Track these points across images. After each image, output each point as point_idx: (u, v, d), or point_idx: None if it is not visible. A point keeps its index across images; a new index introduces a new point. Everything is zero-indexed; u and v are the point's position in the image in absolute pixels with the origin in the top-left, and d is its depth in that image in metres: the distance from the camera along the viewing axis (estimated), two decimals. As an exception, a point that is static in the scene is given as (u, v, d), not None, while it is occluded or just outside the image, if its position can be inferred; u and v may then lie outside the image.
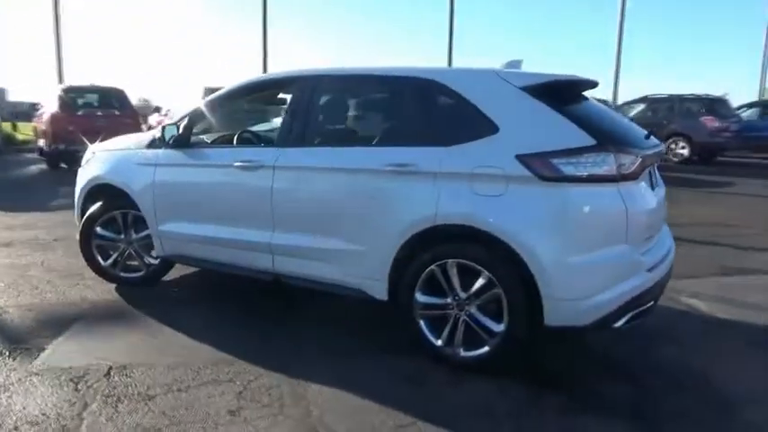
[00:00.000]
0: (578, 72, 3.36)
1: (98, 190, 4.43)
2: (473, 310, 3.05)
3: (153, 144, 4.16)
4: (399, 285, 3.23)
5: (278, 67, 17.83)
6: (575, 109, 3.09)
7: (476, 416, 2.70)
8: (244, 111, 6.14)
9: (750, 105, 17.54)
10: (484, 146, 2.98)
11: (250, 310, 4.05)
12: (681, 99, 15.69)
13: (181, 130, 3.94)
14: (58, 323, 3.74)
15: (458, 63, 19.64)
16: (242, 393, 2.86)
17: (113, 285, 4.44)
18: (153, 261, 4.41)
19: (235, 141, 4.23)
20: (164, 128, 4.07)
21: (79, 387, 2.90)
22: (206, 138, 4.42)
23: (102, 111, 11.73)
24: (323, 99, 3.63)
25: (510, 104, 3.02)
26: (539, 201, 2.84)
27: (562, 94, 3.14)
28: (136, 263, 4.46)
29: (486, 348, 3.04)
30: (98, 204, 4.38)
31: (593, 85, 3.47)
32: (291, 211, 3.54)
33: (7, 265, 4.99)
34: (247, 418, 2.64)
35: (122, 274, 4.47)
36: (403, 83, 3.34)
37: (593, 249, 2.83)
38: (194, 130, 4.12)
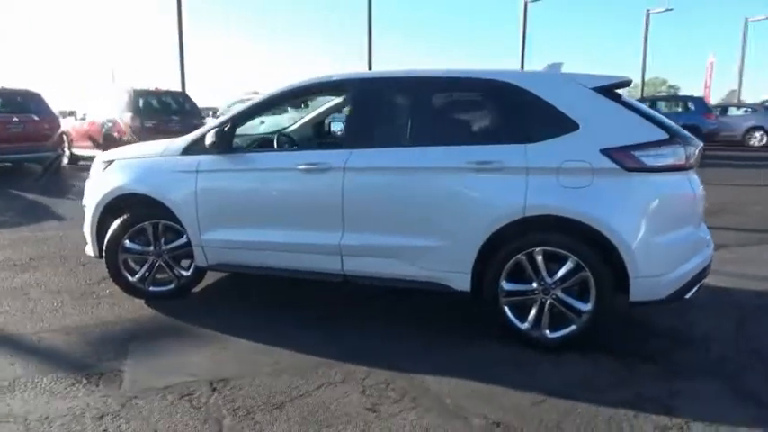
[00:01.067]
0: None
1: (122, 201, 4.15)
2: (559, 293, 3.30)
3: (190, 150, 3.99)
4: (484, 276, 3.41)
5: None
6: (633, 106, 3.45)
7: (588, 389, 2.93)
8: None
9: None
10: (567, 142, 3.24)
11: (300, 312, 4.01)
12: None
13: (225, 135, 3.82)
14: (111, 344, 3.49)
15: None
16: (366, 392, 2.90)
17: (142, 301, 4.18)
18: (184, 272, 4.22)
19: (275, 144, 4.18)
20: (205, 133, 3.93)
21: (195, 404, 2.78)
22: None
23: (18, 116, 10.63)
24: (395, 101, 3.72)
25: (586, 104, 3.31)
26: (624, 189, 3.16)
27: (618, 94, 3.49)
28: (165, 275, 4.24)
29: (572, 327, 3.30)
30: (125, 216, 4.11)
31: (629, 83, 3.85)
32: (365, 211, 3.59)
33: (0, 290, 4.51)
34: (391, 412, 2.70)
35: (152, 288, 4.22)
36: (480, 85, 3.53)
37: (670, 230, 3.19)
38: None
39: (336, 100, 4.84)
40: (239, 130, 4.03)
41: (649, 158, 3.13)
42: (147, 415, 2.68)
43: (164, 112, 11.92)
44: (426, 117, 3.69)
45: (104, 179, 4.24)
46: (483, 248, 3.37)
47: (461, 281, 3.47)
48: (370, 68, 19.34)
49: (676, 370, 3.15)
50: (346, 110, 4.05)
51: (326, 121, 5.30)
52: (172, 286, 4.23)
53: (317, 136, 5.02)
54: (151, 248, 4.16)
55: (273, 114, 6.52)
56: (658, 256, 3.17)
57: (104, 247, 4.13)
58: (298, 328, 3.73)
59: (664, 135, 3.19)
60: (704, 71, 32.78)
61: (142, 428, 2.57)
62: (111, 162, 4.28)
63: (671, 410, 2.70)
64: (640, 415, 2.66)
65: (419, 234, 3.49)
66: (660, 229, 3.17)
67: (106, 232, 4.19)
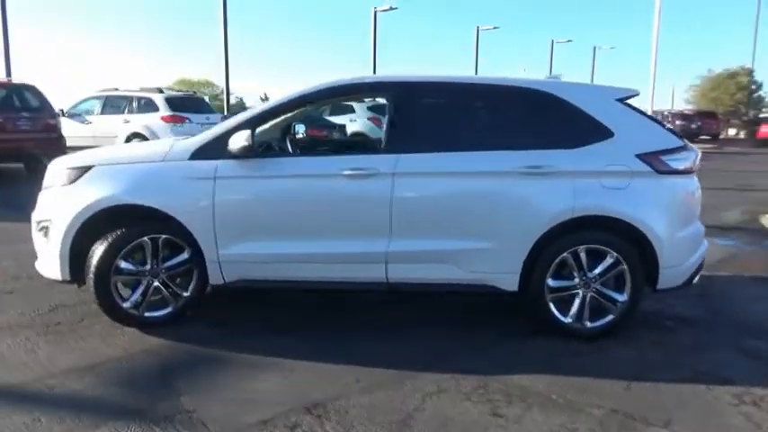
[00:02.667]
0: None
1: (111, 214, 3.51)
2: (598, 286, 3.61)
3: (202, 154, 3.54)
4: (531, 274, 3.58)
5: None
6: (647, 115, 3.90)
7: (655, 369, 3.24)
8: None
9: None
10: (607, 147, 3.55)
11: (336, 325, 3.80)
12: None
13: (251, 138, 3.45)
14: (148, 381, 3.00)
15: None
16: (471, 398, 2.88)
17: (128, 330, 3.59)
18: (184, 293, 3.72)
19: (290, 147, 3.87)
20: (223, 135, 3.52)
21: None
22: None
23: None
24: (442, 106, 3.69)
25: (615, 113, 3.65)
26: (655, 190, 3.56)
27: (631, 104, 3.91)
28: (159, 297, 3.69)
29: (610, 317, 3.63)
30: (119, 232, 3.49)
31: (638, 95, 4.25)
32: (414, 216, 3.53)
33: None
34: (517, 415, 2.73)
35: (147, 314, 3.64)
36: (523, 93, 3.68)
37: (686, 225, 3.68)
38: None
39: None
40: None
41: (674, 162, 3.58)
42: (275, 455, 2.37)
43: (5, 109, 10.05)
44: (473, 122, 3.76)
45: (81, 189, 3.55)
46: (533, 249, 3.55)
47: (510, 281, 3.60)
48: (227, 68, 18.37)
49: (702, 346, 3.62)
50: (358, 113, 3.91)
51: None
52: (169, 309, 3.69)
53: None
54: (147, 268, 3.59)
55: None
56: (679, 248, 3.64)
57: (92, 270, 3.46)
58: (341, 341, 3.53)
59: (679, 142, 3.67)
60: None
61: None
62: (86, 168, 3.59)
63: (728, 381, 3.13)
64: (713, 387, 3.04)
65: (470, 238, 3.54)
66: (680, 225, 3.64)
67: (83, 251, 3.53)
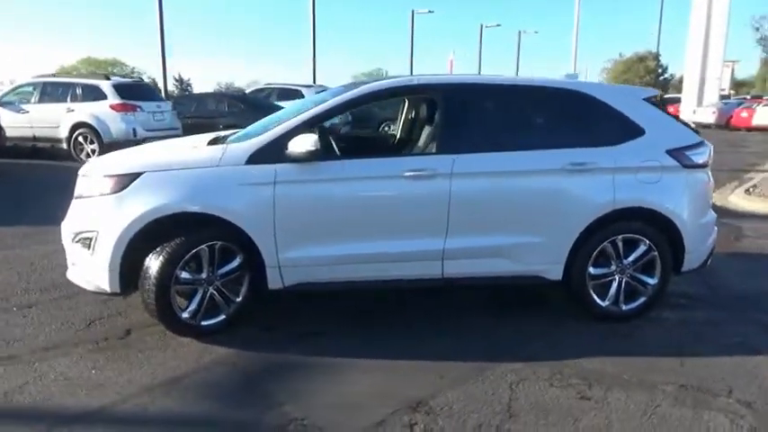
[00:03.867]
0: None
1: (167, 223, 3.39)
2: (632, 271, 3.92)
3: (259, 158, 3.48)
4: (574, 264, 3.83)
5: None
6: (669, 113, 4.21)
7: (702, 341, 3.62)
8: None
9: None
10: (640, 145, 3.84)
11: (385, 325, 3.88)
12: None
13: (319, 143, 3.44)
14: (240, 393, 2.97)
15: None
16: (553, 384, 3.09)
17: (177, 340, 3.51)
18: (236, 299, 3.67)
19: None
20: (279, 139, 3.48)
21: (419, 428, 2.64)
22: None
23: None
24: (490, 107, 3.80)
25: (644, 112, 3.94)
26: (682, 183, 3.89)
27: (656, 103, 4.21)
28: (212, 305, 3.61)
29: (642, 299, 3.96)
30: (178, 240, 3.38)
31: (662, 96, 4.57)
32: (470, 214, 3.66)
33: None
34: (601, 396, 2.97)
35: (204, 322, 3.57)
36: (563, 94, 3.88)
37: (704, 213, 4.06)
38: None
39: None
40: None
41: (696, 157, 3.93)
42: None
43: None
44: (520, 122, 3.91)
45: (132, 197, 3.39)
46: (576, 240, 3.79)
47: (556, 271, 3.83)
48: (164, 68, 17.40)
49: (721, 322, 4.02)
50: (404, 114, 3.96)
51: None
52: (222, 317, 3.63)
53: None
54: (203, 276, 3.51)
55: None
56: (700, 234, 4.01)
57: (153, 281, 3.34)
58: (402, 339, 3.63)
59: (698, 138, 4.02)
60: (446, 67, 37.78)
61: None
62: (135, 175, 3.43)
63: (758, 351, 3.53)
64: (749, 357, 3.43)
65: (522, 232, 3.73)
66: (701, 213, 4.01)
67: (134, 262, 3.40)
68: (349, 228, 3.60)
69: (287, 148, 3.47)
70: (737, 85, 47.25)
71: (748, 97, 33.81)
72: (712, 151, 4.12)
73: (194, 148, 3.72)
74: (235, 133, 4.37)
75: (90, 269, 3.50)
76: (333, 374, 3.17)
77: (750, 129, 26.08)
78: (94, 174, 3.59)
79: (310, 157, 3.42)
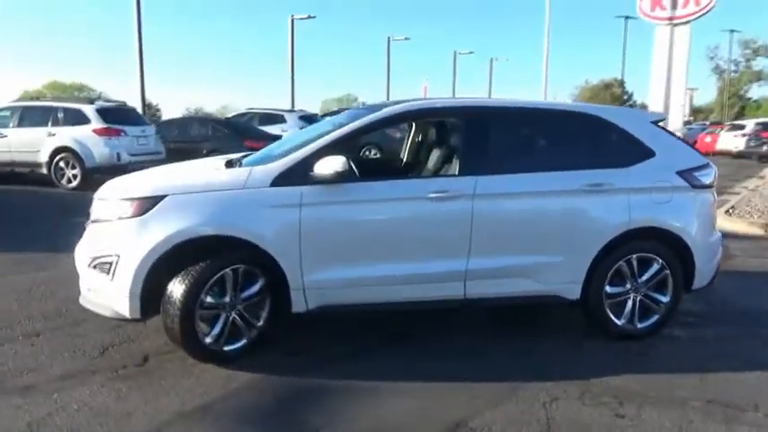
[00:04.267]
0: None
1: (188, 247, 3.34)
2: (646, 290, 4.00)
3: (283, 181, 3.46)
4: (591, 283, 3.89)
5: None
6: (675, 135, 4.36)
7: (706, 361, 3.69)
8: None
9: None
10: (652, 166, 3.96)
11: (414, 345, 3.87)
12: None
13: (347, 163, 3.45)
14: (279, 414, 2.92)
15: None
16: (585, 402, 3.12)
17: (197, 367, 3.43)
18: (257, 323, 3.61)
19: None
20: (303, 161, 3.48)
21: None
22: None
23: None
24: (510, 129, 3.88)
25: (653, 134, 4.08)
26: (692, 203, 4.02)
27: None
28: (235, 329, 3.55)
29: (656, 317, 4.03)
30: (203, 264, 3.32)
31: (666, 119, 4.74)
32: (492, 235, 3.70)
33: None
34: (635, 414, 3.00)
35: (226, 348, 3.49)
36: (578, 117, 3.99)
37: (712, 232, 4.18)
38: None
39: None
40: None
41: (704, 178, 4.07)
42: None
43: None
44: (539, 144, 4.00)
45: (155, 221, 3.33)
46: (594, 260, 3.86)
47: (574, 291, 3.89)
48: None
49: (730, 337, 4.13)
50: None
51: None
52: (244, 341, 3.56)
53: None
54: (227, 300, 3.45)
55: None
56: (709, 253, 4.13)
57: (177, 306, 3.26)
58: (427, 361, 3.62)
59: (705, 160, 4.17)
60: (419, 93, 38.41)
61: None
62: (158, 198, 3.37)
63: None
64: (766, 372, 3.53)
65: (543, 252, 3.79)
66: (709, 232, 4.14)
67: (155, 287, 3.33)
68: (374, 249, 3.60)
69: (312, 170, 3.47)
70: (695, 111, 49.17)
71: (708, 123, 35.17)
72: (716, 173, 4.28)
73: (216, 171, 3.69)
74: (248, 155, 4.35)
75: (109, 294, 3.41)
76: (366, 398, 3.13)
77: (714, 153, 27.06)
78: (113, 197, 3.53)
79: (338, 178, 3.42)
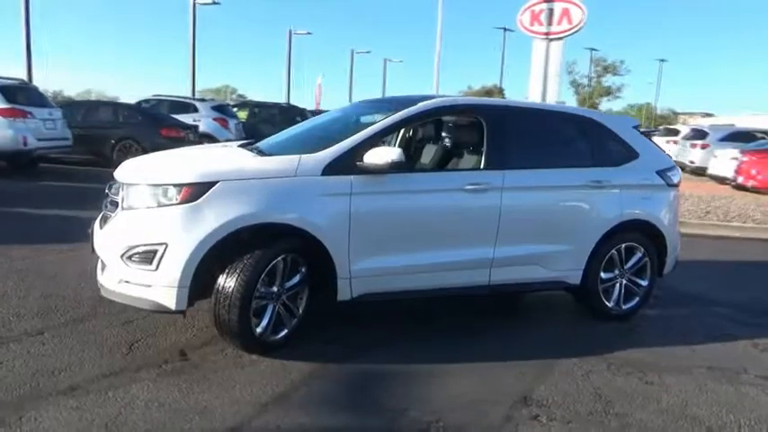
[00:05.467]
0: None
1: (242, 235, 3.24)
2: (629, 275, 4.54)
3: (333, 169, 3.47)
4: (590, 270, 4.34)
5: None
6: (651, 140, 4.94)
7: (685, 334, 4.28)
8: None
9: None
10: (637, 166, 4.49)
11: (435, 330, 4.04)
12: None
13: (402, 153, 3.54)
14: (360, 399, 2.97)
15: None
16: (616, 374, 3.51)
17: (249, 358, 3.37)
18: (299, 313, 3.60)
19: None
20: (351, 151, 3.52)
21: (562, 419, 2.89)
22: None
23: None
24: (528, 128, 4.16)
25: (636, 137, 4.62)
26: (666, 199, 4.61)
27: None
28: (278, 319, 3.50)
29: (637, 299, 4.58)
30: (258, 252, 3.24)
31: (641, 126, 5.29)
32: (515, 225, 3.99)
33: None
34: (659, 381, 3.44)
35: (272, 338, 3.44)
36: (580, 119, 4.41)
37: (677, 225, 4.83)
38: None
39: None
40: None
41: (674, 177, 4.69)
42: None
43: None
44: (551, 143, 4.33)
45: (208, 208, 3.19)
46: (593, 248, 4.31)
47: (576, 277, 4.31)
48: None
49: (692, 315, 4.80)
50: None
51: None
52: (285, 332, 3.53)
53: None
54: (275, 289, 3.40)
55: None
56: (676, 243, 4.77)
57: (235, 296, 3.16)
58: (465, 344, 3.83)
59: (672, 162, 4.80)
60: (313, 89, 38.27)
61: None
62: (208, 185, 3.23)
63: (735, 337, 4.30)
64: (734, 342, 4.18)
65: (556, 241, 4.15)
66: (676, 224, 4.78)
67: (204, 276, 3.22)
68: (416, 238, 3.73)
69: (361, 160, 3.52)
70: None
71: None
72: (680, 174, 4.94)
73: (258, 157, 3.59)
74: (252, 142, 4.34)
75: (151, 286, 3.20)
76: (429, 379, 3.26)
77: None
78: (147, 181, 3.30)
79: (391, 168, 3.50)
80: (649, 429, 2.86)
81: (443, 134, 4.84)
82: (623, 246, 4.43)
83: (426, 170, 3.92)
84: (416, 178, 3.78)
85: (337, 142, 3.61)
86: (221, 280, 3.22)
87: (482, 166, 4.01)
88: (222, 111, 14.84)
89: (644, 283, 4.57)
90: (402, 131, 5.48)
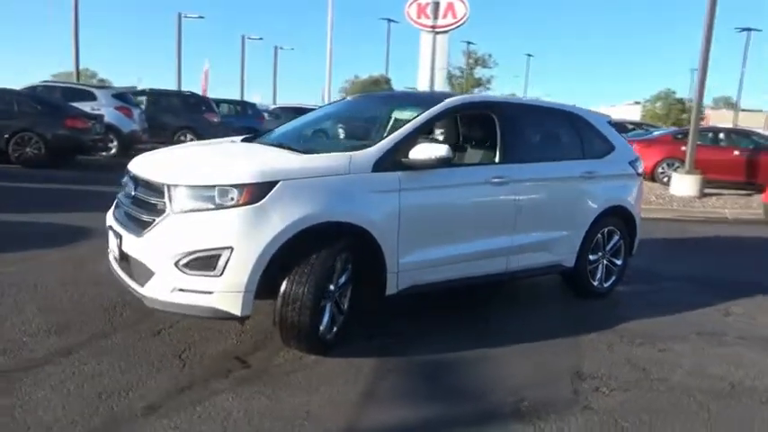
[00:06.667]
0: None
1: (306, 235, 3.18)
2: (608, 256, 5.05)
3: (381, 166, 3.51)
4: (582, 253, 4.77)
5: None
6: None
7: (666, 305, 4.86)
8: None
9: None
10: (615, 157, 4.99)
11: (456, 320, 4.23)
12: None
13: (450, 151, 3.63)
14: (457, 389, 3.07)
15: None
16: (632, 346, 3.93)
17: (325, 352, 3.36)
18: (345, 310, 3.61)
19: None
20: (396, 147, 3.58)
21: (623, 388, 3.22)
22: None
23: None
24: (532, 124, 4.44)
25: (611, 132, 5.12)
26: (635, 186, 5.17)
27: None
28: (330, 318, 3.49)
29: (614, 278, 5.12)
30: (324, 253, 3.22)
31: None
32: (528, 214, 4.29)
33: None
34: (671, 348, 3.92)
35: (329, 336, 3.42)
36: (570, 115, 4.80)
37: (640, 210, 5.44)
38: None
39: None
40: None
41: (640, 167, 5.26)
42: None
43: None
44: (551, 137, 4.65)
45: (273, 208, 3.09)
46: (585, 233, 4.74)
47: (571, 260, 4.72)
48: None
49: (661, 289, 5.44)
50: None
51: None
52: (335, 329, 3.53)
53: None
54: (332, 288, 3.39)
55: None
56: (640, 226, 5.37)
57: (306, 297, 3.11)
58: (477, 331, 4.05)
59: (637, 154, 5.38)
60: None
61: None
62: (271, 184, 3.12)
63: (710, 303, 4.96)
64: (709, 310, 4.83)
65: (559, 228, 4.52)
66: (640, 209, 5.37)
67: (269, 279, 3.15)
68: (453, 230, 3.88)
69: (405, 156, 3.59)
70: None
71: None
72: (641, 163, 5.55)
73: (304, 155, 3.51)
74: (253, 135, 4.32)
75: (213, 292, 3.05)
76: (486, 364, 3.45)
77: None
78: (203, 183, 3.12)
79: (439, 164, 3.61)
80: (691, 389, 3.29)
81: (460, 129, 4.99)
82: (606, 230, 4.92)
83: (456, 164, 4.06)
84: (454, 172, 3.91)
85: (367, 139, 3.69)
86: (289, 282, 3.15)
87: (497, 161, 4.25)
88: (124, 99, 13.69)
89: (619, 262, 5.11)
90: (390, 125, 5.59)
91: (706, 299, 5.12)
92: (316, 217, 3.21)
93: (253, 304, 3.10)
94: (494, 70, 53.11)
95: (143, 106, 15.53)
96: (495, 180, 4.04)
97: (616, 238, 5.02)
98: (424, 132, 3.84)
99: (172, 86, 26.72)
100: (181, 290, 3.09)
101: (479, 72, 51.78)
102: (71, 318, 3.65)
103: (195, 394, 2.84)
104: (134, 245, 3.26)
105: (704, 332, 4.29)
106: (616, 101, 71.67)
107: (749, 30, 40.29)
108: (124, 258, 3.36)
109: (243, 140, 4.43)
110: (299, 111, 27.02)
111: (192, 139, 16.58)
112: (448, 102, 4.06)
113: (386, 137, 3.67)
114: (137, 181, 3.48)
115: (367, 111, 4.85)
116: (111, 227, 3.59)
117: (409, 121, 3.87)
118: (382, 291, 3.63)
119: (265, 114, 21.89)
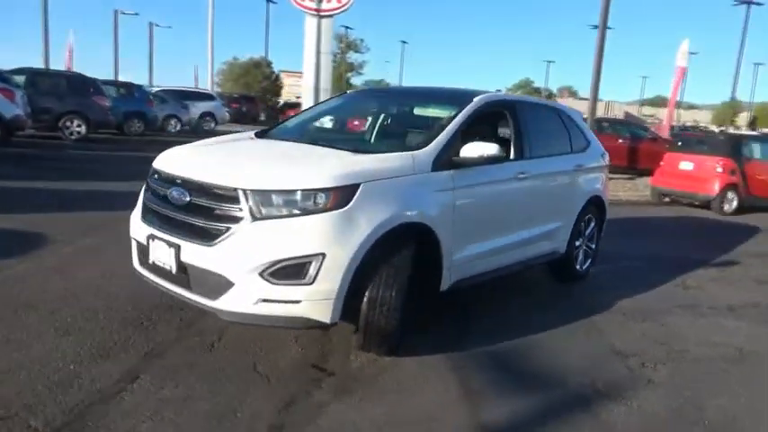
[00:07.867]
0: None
1: (388, 238, 3.15)
2: (586, 241, 5.53)
3: (438, 165, 3.55)
4: (571, 239, 5.18)
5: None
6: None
7: (645, 283, 5.43)
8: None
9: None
10: (591, 151, 5.44)
11: (479, 314, 4.40)
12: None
13: (500, 150, 3.75)
14: (530, 375, 3.24)
15: None
16: (642, 325, 4.38)
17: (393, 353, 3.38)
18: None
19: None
20: (446, 145, 3.64)
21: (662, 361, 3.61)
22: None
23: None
24: (534, 120, 4.65)
25: (586, 128, 5.57)
26: (604, 177, 5.69)
27: None
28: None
29: (590, 261, 5.62)
30: (404, 254, 3.23)
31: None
32: (539, 206, 4.58)
33: None
34: (671, 321, 4.43)
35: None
36: (559, 111, 5.15)
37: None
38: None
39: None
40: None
41: (607, 160, 5.79)
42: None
43: None
44: (551, 133, 4.91)
45: (359, 211, 3.02)
46: (575, 221, 5.15)
47: (563, 247, 5.10)
48: None
49: (635, 270, 6.03)
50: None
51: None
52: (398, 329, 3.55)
53: None
54: (398, 288, 3.40)
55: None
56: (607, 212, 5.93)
57: (399, 299, 3.10)
58: (503, 322, 4.27)
59: (603, 149, 5.90)
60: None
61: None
62: (355, 187, 3.04)
63: (671, 279, 5.62)
64: (677, 287, 5.48)
65: (558, 218, 4.87)
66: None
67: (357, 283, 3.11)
68: (493, 224, 4.06)
69: (456, 155, 3.67)
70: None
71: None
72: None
73: (365, 156, 3.43)
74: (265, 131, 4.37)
75: (301, 301, 2.92)
76: (537, 351, 3.67)
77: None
78: (288, 187, 2.95)
79: (487, 162, 3.72)
80: (711, 357, 3.79)
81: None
82: (586, 217, 5.38)
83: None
84: (493, 169, 4.03)
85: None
86: (376, 285, 3.10)
87: (513, 157, 4.46)
88: (3, 79, 11.98)
89: (594, 246, 5.62)
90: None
91: (666, 276, 5.80)
92: (396, 218, 3.19)
93: (341, 310, 3.03)
94: (365, 55, 53.65)
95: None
96: (521, 176, 4.26)
97: (593, 224, 5.50)
98: (464, 130, 3.93)
99: (35, 65, 23.67)
100: (265, 300, 2.92)
101: (352, 57, 52.18)
102: (103, 338, 3.27)
103: (301, 408, 2.73)
104: (202, 255, 3.00)
105: (683, 305, 4.89)
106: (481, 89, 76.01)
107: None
108: (182, 270, 3.08)
109: (257, 136, 4.20)
110: (186, 94, 25.47)
111: (79, 126, 14.96)
112: (480, 99, 4.18)
113: (436, 136, 3.70)
114: (187, 184, 3.18)
115: (381, 107, 4.82)
116: (152, 236, 3.25)
117: (444, 118, 3.96)
118: (436, 287, 3.70)
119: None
